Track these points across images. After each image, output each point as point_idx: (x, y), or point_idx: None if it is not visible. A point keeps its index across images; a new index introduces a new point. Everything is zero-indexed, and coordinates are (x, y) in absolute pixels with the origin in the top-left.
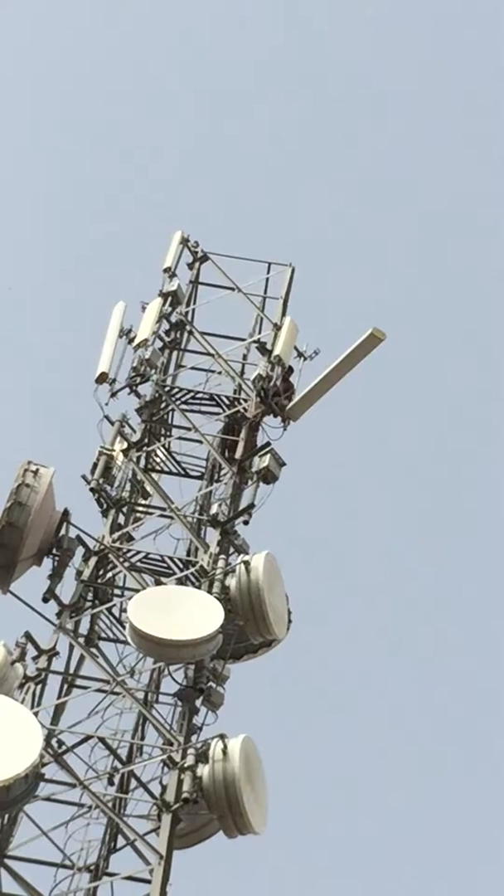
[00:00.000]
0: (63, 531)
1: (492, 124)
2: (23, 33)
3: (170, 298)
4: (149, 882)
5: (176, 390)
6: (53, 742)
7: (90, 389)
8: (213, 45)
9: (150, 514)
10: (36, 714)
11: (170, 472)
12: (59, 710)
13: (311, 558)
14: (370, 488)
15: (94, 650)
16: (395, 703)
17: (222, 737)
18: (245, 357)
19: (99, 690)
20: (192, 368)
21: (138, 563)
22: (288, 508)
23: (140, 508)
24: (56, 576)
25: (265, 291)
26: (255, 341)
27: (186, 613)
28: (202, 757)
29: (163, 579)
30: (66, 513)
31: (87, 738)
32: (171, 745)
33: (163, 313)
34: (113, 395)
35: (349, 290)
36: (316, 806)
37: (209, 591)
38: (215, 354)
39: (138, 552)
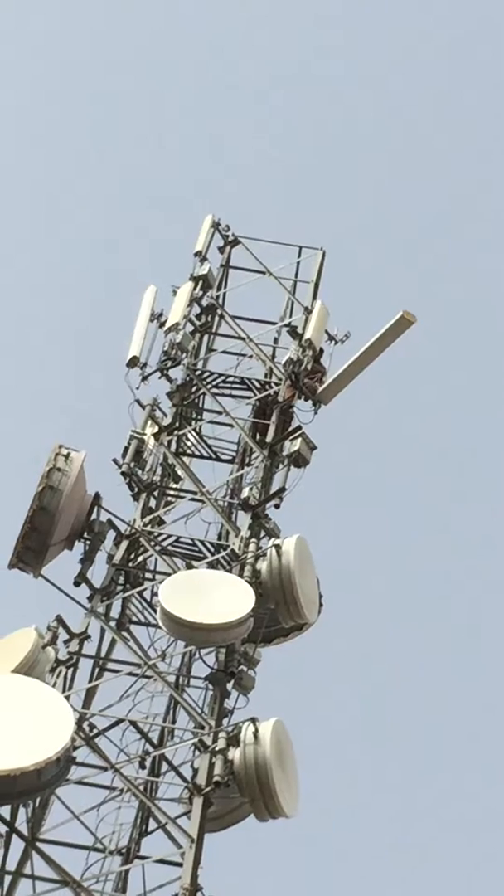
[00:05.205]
0: (94, 515)
1: None
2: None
3: (201, 282)
4: (180, 865)
5: (207, 374)
6: (85, 725)
7: (121, 373)
8: (247, 28)
9: (182, 497)
10: (67, 698)
11: (201, 456)
12: (90, 694)
13: (343, 542)
14: (401, 471)
15: (125, 634)
16: (428, 685)
17: (253, 720)
18: (276, 341)
19: (130, 674)
20: (223, 352)
21: (169, 547)
22: (319, 492)
23: (171, 492)
24: (87, 560)
25: (296, 275)
26: (285, 325)
27: (218, 597)
28: (233, 740)
29: (194, 563)
30: (97, 497)
31: (119, 721)
32: (203, 728)
33: (194, 297)
34: (144, 378)
35: (380, 273)
36: (347, 789)
37: (240, 575)
38: (246, 338)
39: (169, 536)
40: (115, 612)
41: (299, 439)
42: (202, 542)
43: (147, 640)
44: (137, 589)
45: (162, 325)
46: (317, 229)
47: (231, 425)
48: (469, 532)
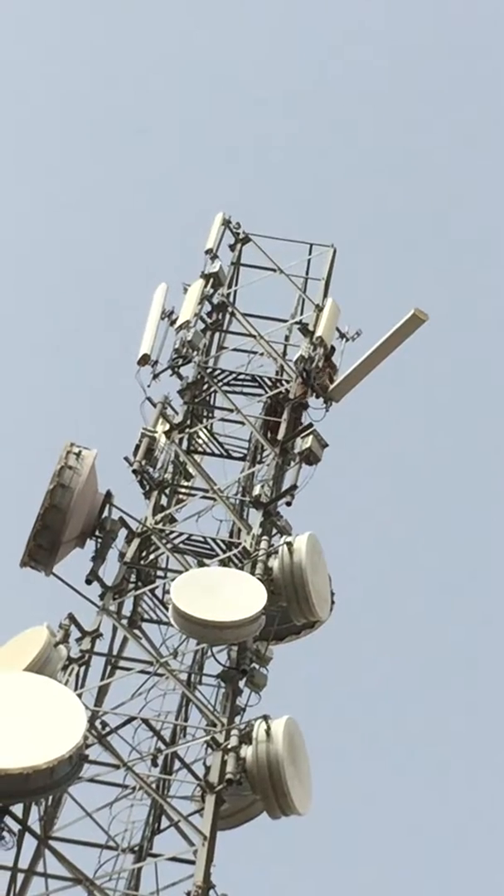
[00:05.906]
0: (106, 513)
1: None
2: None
3: (211, 280)
4: (193, 863)
5: (218, 372)
6: (97, 723)
7: (132, 371)
8: (256, 26)
9: (193, 495)
10: (79, 696)
11: (212, 454)
12: (102, 692)
13: (354, 539)
14: (413, 468)
15: (137, 632)
16: (435, 684)
17: (266, 718)
18: (287, 338)
19: (142, 672)
20: (234, 350)
21: (181, 545)
22: (330, 489)
23: (182, 490)
24: (99, 557)
25: (307, 273)
26: (296, 322)
27: (229, 595)
28: (246, 738)
29: (206, 561)
30: (108, 494)
31: (131, 719)
32: (215, 726)
33: (204, 295)
34: (155, 376)
35: (392, 270)
36: (359, 787)
37: (252, 573)
38: (257, 336)
39: (181, 534)
40: (127, 610)
41: (311, 437)
42: (214, 539)
43: (159, 638)
44: (149, 587)
45: (173, 322)
46: (327, 227)
47: (242, 423)
48: (476, 528)
